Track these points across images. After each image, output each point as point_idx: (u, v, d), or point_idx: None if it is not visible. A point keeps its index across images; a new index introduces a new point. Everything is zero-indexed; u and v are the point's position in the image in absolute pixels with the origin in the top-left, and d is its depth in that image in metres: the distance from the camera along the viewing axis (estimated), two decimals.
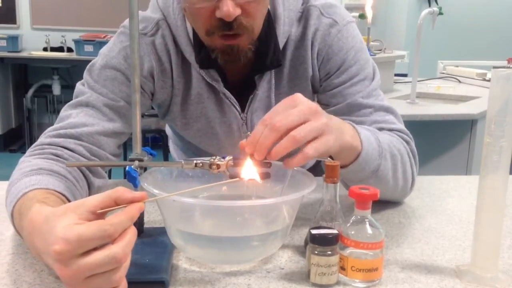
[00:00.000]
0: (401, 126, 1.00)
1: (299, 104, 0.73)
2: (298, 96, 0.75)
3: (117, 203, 0.60)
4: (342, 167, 0.85)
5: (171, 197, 0.68)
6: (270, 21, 1.00)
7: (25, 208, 0.72)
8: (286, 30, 1.02)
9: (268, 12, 1.00)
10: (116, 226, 0.57)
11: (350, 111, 1.00)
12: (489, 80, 3.05)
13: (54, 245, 0.56)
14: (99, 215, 0.60)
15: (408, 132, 1.00)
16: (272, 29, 1.00)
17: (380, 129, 0.97)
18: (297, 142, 0.70)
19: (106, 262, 0.56)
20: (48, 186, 0.79)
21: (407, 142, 0.98)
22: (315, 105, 0.74)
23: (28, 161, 0.88)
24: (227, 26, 0.89)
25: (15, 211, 0.76)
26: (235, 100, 1.05)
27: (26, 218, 0.69)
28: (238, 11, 0.88)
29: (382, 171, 0.90)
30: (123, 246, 0.57)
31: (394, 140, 0.95)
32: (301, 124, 0.71)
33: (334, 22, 1.02)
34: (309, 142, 0.72)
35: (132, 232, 0.59)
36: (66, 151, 0.91)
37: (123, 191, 0.61)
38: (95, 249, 0.57)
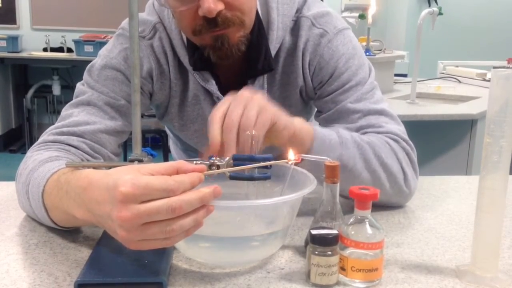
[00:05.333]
0: (391, 127, 0.98)
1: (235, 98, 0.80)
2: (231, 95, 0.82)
3: (179, 173, 0.64)
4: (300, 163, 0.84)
5: None
6: (261, 26, 1.00)
7: (66, 179, 0.74)
8: (280, 35, 1.02)
9: (259, 17, 1.00)
10: (179, 184, 0.61)
11: (339, 117, 1.00)
12: (489, 80, 3.04)
13: (121, 187, 0.60)
14: None
15: (398, 133, 0.98)
16: (263, 35, 1.00)
17: (365, 133, 0.97)
18: (245, 130, 0.77)
19: (164, 210, 0.60)
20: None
21: (395, 140, 0.96)
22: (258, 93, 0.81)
23: (39, 153, 0.89)
24: (212, 23, 0.90)
25: (49, 187, 0.78)
26: None
27: (74, 181, 0.71)
28: (220, 6, 0.88)
29: (347, 161, 0.89)
30: (181, 200, 0.61)
31: (369, 137, 0.94)
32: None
33: (325, 32, 1.02)
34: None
35: (195, 195, 0.62)
36: (70, 147, 0.92)
37: (184, 163, 0.65)
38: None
